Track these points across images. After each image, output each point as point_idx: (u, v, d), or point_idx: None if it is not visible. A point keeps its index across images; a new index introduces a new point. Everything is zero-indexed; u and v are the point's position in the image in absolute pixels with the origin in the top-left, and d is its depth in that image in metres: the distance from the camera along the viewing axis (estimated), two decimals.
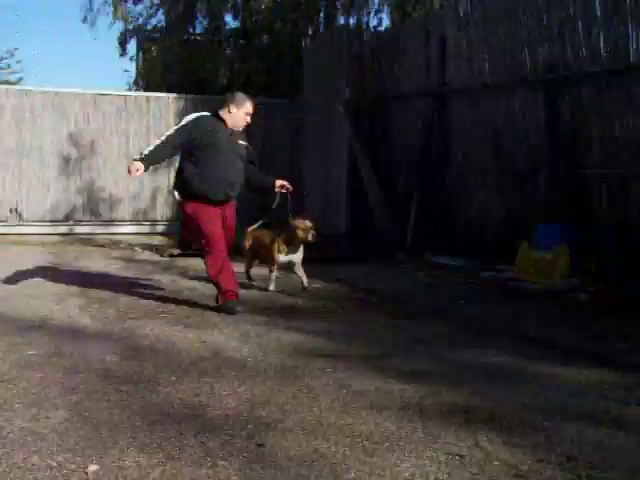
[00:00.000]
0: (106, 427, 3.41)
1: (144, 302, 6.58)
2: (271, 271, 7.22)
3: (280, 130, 13.65)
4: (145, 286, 7.45)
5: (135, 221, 13.21)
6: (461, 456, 3.17)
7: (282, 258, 7.13)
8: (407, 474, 2.97)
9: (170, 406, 3.73)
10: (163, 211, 13.31)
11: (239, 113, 6.33)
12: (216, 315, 6.03)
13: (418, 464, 3.08)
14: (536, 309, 6.77)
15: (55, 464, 2.98)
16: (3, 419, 3.49)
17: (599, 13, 8.08)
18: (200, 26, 16.71)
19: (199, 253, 6.45)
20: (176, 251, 9.82)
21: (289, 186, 6.64)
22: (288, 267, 7.31)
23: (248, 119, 6.40)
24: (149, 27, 17.27)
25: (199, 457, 3.08)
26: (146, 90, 15.96)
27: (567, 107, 8.53)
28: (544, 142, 8.71)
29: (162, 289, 7.27)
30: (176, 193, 6.38)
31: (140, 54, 18.02)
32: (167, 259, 9.60)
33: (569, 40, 8.44)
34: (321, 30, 15.69)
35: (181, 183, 6.27)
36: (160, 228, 13.06)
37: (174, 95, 13.58)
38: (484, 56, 9.72)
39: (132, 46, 17.74)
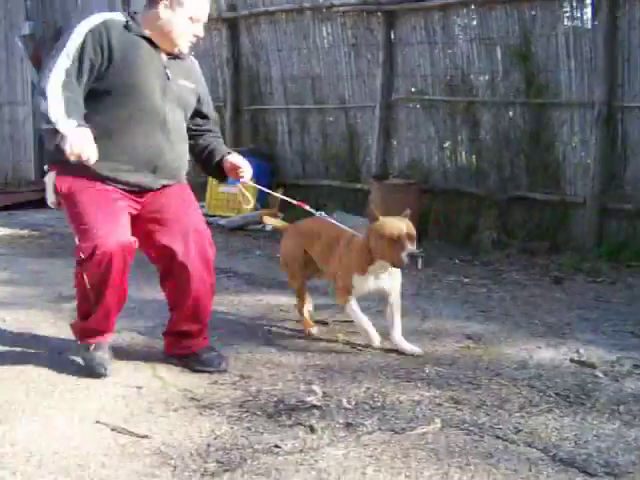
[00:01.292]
0: None
1: None
2: (344, 301, 3.85)
3: None
4: None
5: None
6: (139, 387, 3.30)
7: (363, 283, 3.76)
8: (88, 411, 3.03)
9: None
10: None
11: (181, 19, 3.31)
12: None
13: (101, 400, 3.16)
14: (225, 241, 7.02)
15: None
16: None
17: None
18: None
19: None
20: None
21: (246, 172, 3.60)
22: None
23: (200, 31, 3.42)
24: None
25: None
26: None
27: (248, 45, 8.80)
28: (228, 79, 8.94)
29: None
30: (50, 177, 3.36)
31: None
32: None
33: None
34: None
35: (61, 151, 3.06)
36: None
37: None
38: None
39: None
